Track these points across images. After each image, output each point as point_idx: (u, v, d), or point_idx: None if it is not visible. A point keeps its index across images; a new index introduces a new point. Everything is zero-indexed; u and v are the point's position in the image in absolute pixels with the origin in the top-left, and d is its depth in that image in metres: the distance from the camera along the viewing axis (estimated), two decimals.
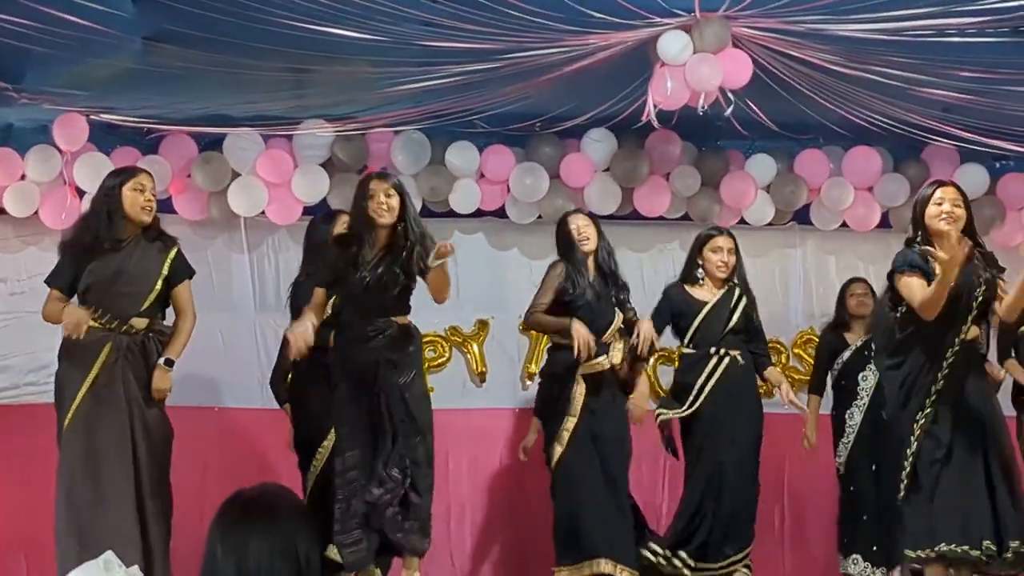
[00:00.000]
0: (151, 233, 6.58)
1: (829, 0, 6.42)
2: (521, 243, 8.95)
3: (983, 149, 8.44)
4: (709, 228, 7.72)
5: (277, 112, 8.12)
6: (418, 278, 6.60)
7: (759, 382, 7.73)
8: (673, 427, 7.58)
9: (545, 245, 8.74)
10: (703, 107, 7.06)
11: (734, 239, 7.52)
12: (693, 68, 6.86)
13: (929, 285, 6.11)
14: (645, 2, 6.50)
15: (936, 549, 6.17)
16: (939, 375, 6.24)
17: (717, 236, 7.50)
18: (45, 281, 6.62)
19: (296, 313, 6.94)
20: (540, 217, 8.80)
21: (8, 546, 8.11)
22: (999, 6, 6.45)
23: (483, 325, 8.89)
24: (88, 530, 6.26)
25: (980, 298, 6.28)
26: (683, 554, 7.26)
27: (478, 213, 8.83)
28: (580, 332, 7.08)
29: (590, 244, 7.37)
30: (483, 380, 8.86)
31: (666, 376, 8.43)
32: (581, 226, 7.40)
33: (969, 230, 6.32)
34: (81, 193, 8.19)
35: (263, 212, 8.54)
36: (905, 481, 6.29)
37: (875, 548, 7.75)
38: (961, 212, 6.30)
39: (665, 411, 7.48)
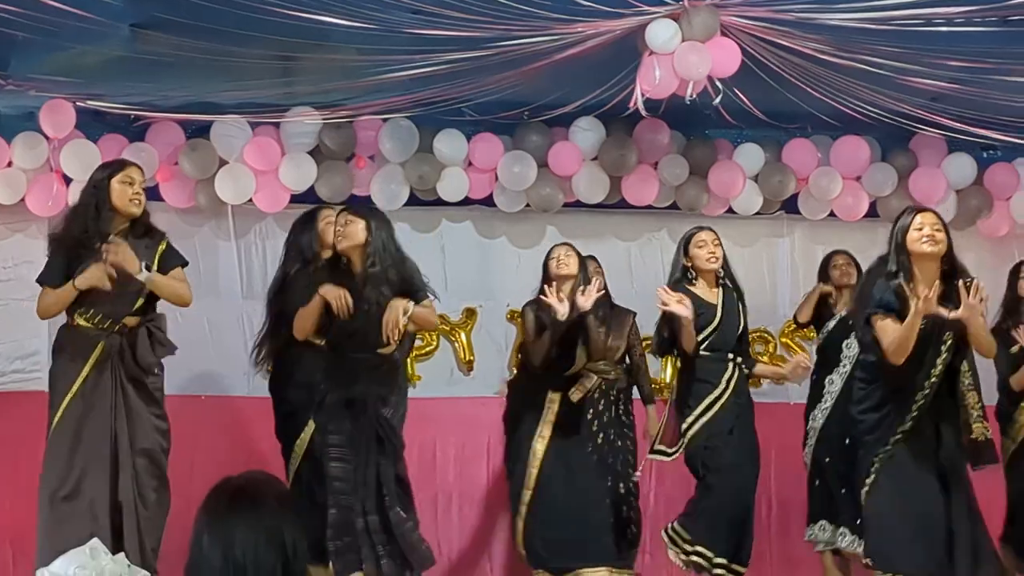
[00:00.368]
0: (139, 228, 6.54)
1: None
2: (509, 231, 8.96)
3: (971, 138, 8.45)
4: (688, 229, 7.62)
5: (265, 99, 8.10)
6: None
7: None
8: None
9: (533, 233, 8.78)
10: (691, 96, 7.04)
11: (716, 232, 7.48)
12: (681, 57, 6.85)
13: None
14: None
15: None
16: (907, 416, 6.32)
17: (698, 232, 7.44)
18: (38, 280, 6.55)
19: (279, 308, 7.18)
20: (528, 206, 8.80)
21: None
22: None
23: (471, 313, 8.89)
24: (63, 524, 6.24)
25: (948, 342, 6.30)
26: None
27: (466, 201, 8.83)
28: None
29: (567, 270, 7.44)
30: (471, 369, 8.86)
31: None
32: (562, 256, 7.46)
33: (950, 257, 6.36)
34: (68, 180, 8.18)
35: (250, 200, 8.53)
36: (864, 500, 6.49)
37: (852, 518, 7.68)
38: (942, 236, 6.32)
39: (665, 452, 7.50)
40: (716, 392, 7.25)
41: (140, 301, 6.48)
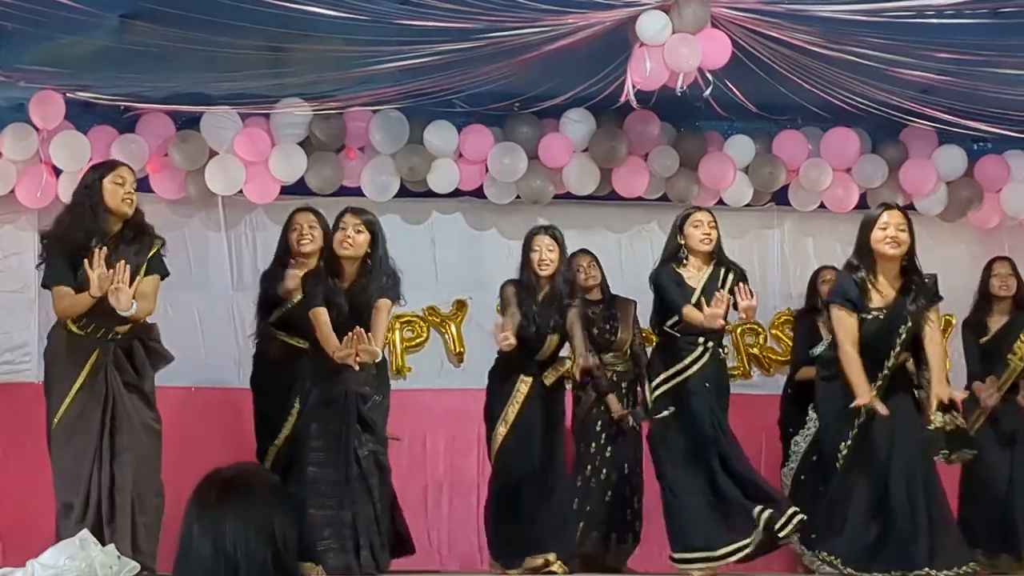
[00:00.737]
0: (130, 232, 6.51)
1: None
2: (499, 223, 8.95)
3: (961, 130, 8.47)
4: (686, 208, 7.62)
5: (255, 91, 8.09)
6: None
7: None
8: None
9: (523, 225, 8.73)
10: (682, 88, 7.05)
11: (712, 214, 7.45)
12: (672, 48, 6.85)
13: (857, 320, 6.61)
14: None
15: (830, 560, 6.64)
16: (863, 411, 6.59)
17: (695, 212, 7.40)
18: (45, 284, 6.49)
19: (266, 302, 7.32)
20: (518, 197, 8.80)
21: None
22: None
23: (461, 305, 8.89)
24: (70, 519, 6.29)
25: (904, 335, 6.63)
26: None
27: (456, 193, 8.82)
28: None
29: (549, 269, 7.33)
30: (461, 360, 8.86)
31: None
32: (544, 251, 7.33)
33: (910, 254, 6.72)
34: (58, 172, 8.16)
35: (240, 191, 8.52)
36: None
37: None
38: (905, 237, 6.67)
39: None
40: (672, 371, 7.20)
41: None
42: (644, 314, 7.81)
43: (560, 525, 7.30)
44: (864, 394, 6.48)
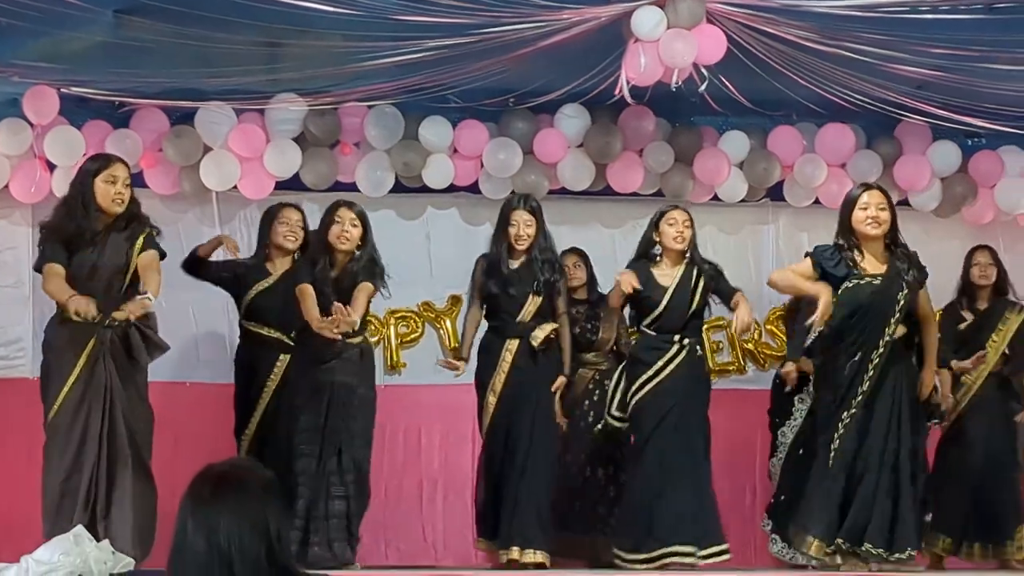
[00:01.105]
0: (121, 222, 6.53)
1: None
2: (494, 218, 8.85)
3: (956, 126, 8.46)
4: (663, 206, 7.63)
5: (249, 86, 8.08)
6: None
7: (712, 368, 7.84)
8: None
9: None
10: (677, 83, 7.06)
11: (689, 214, 7.46)
12: (667, 44, 6.86)
13: (825, 287, 6.77)
14: None
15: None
16: (866, 376, 6.70)
17: (671, 210, 7.44)
18: (36, 266, 6.51)
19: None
20: (513, 192, 8.78)
21: None
22: None
23: (456, 301, 8.87)
24: (61, 511, 6.27)
25: (902, 301, 6.74)
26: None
27: (451, 188, 8.82)
28: None
29: (525, 244, 7.40)
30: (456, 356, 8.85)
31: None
32: (522, 227, 7.40)
33: (893, 231, 6.87)
34: (52, 167, 8.16)
35: (235, 186, 8.51)
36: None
37: None
38: (886, 216, 6.83)
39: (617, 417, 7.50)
40: (650, 372, 7.23)
41: (124, 293, 6.48)
42: None
43: (537, 518, 7.26)
44: (823, 291, 6.69)
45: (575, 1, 6.81)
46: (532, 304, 7.32)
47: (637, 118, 8.68)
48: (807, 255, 6.99)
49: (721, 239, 9.12)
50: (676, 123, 8.93)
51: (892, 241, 6.86)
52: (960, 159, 9.04)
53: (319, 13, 6.56)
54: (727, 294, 7.38)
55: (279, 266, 7.50)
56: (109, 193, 6.42)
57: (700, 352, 7.39)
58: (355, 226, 6.96)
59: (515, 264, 7.38)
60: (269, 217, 7.63)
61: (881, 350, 6.71)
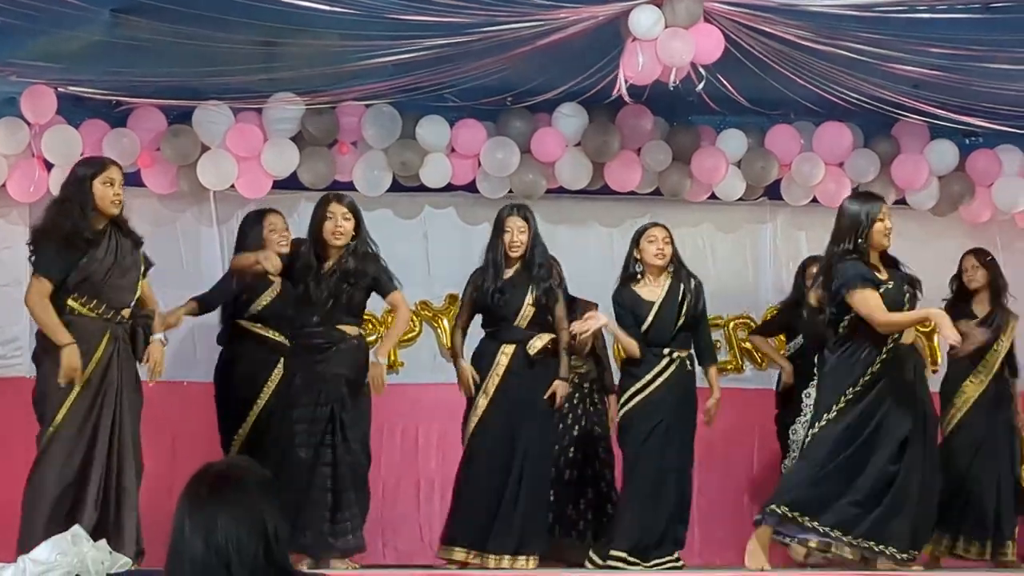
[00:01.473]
0: (116, 225, 6.55)
1: None
2: (492, 218, 8.85)
3: (953, 125, 8.47)
4: (643, 224, 7.63)
5: (247, 85, 8.08)
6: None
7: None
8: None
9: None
10: (674, 82, 7.06)
11: (668, 230, 7.47)
12: (664, 43, 6.86)
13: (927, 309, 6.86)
14: None
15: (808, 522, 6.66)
16: (870, 369, 6.70)
17: (651, 227, 7.45)
18: (39, 272, 6.49)
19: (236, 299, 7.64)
20: (511, 192, 8.79)
21: None
22: None
23: (453, 300, 8.85)
24: (60, 509, 6.26)
25: (907, 306, 6.76)
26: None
27: (449, 187, 8.82)
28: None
29: (519, 251, 7.38)
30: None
31: None
32: (516, 233, 7.37)
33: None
34: (49, 166, 8.15)
35: (232, 186, 8.51)
36: (807, 440, 6.86)
37: None
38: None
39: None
40: (639, 385, 7.24)
41: (137, 292, 6.52)
42: None
43: (533, 524, 7.27)
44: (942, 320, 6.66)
45: (573, 0, 6.81)
46: (528, 310, 7.31)
47: (635, 117, 8.68)
48: (861, 284, 6.66)
49: (719, 238, 9.13)
50: (674, 122, 8.93)
51: (885, 251, 6.91)
52: (957, 158, 9.05)
53: (316, 12, 6.56)
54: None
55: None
56: (108, 195, 6.44)
57: (690, 367, 7.39)
58: (347, 220, 6.96)
59: (510, 272, 7.36)
60: (258, 225, 7.66)
61: (889, 346, 6.72)
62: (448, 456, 8.66)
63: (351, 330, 7.01)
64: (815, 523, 6.64)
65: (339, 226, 6.94)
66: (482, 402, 7.28)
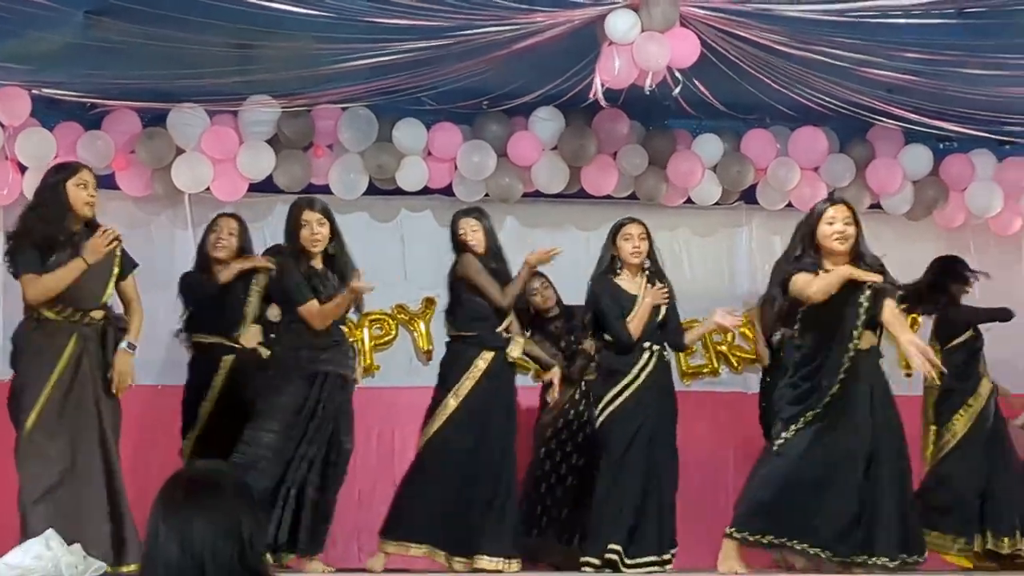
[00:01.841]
0: (89, 228, 6.53)
1: None
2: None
3: (927, 130, 8.51)
4: (619, 220, 7.63)
5: (222, 88, 8.06)
6: None
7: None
8: None
9: (493, 223, 8.74)
10: (651, 86, 7.06)
11: (645, 226, 7.47)
12: (641, 47, 6.86)
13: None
14: None
15: (754, 537, 6.63)
16: (833, 384, 6.53)
17: (627, 224, 7.44)
18: (21, 269, 6.47)
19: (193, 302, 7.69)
20: (487, 195, 8.80)
21: None
22: None
23: (429, 303, 8.87)
24: (62, 514, 6.23)
25: (865, 304, 6.49)
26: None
27: (425, 191, 8.82)
28: None
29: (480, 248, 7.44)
30: (429, 358, 8.83)
31: None
32: (469, 231, 7.44)
33: (858, 245, 6.62)
34: (23, 168, 8.12)
35: (208, 188, 8.49)
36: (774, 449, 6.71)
37: None
38: (852, 231, 6.60)
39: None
40: (625, 381, 7.21)
41: (106, 294, 6.49)
42: None
43: (514, 527, 7.31)
44: (844, 273, 6.42)
45: (549, 4, 6.81)
46: (509, 316, 7.37)
47: (611, 121, 8.69)
48: (789, 275, 6.62)
49: (695, 242, 9.15)
50: (650, 126, 8.95)
51: (857, 256, 6.61)
52: (932, 162, 9.09)
53: (292, 15, 6.55)
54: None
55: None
56: (82, 197, 6.43)
57: (667, 357, 7.40)
58: (322, 225, 6.95)
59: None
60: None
61: (845, 363, 6.56)
62: None
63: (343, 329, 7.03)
64: (783, 541, 6.66)
65: (315, 233, 6.92)
66: (452, 402, 7.28)
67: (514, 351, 7.36)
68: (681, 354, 9.01)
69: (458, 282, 7.46)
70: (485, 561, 7.12)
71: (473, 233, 7.46)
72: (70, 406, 6.32)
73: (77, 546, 5.86)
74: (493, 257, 7.49)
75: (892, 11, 6.77)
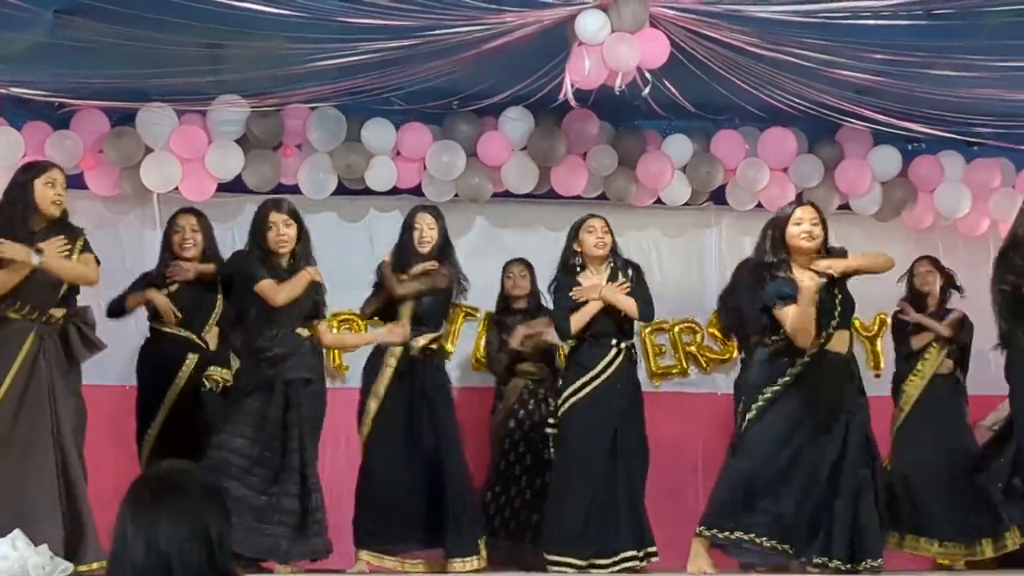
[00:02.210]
0: (58, 226, 6.50)
1: None
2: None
3: (896, 131, 8.55)
4: (580, 216, 7.62)
5: (191, 87, 8.03)
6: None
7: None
8: None
9: (463, 223, 8.75)
10: (620, 87, 7.07)
11: (606, 220, 7.46)
12: (610, 47, 6.87)
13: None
14: None
15: (723, 534, 6.64)
16: (790, 370, 6.62)
17: (589, 219, 7.44)
18: None
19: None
20: (457, 195, 8.79)
21: None
22: None
23: None
24: (14, 515, 6.18)
25: (840, 307, 6.64)
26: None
27: (394, 191, 8.80)
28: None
29: (428, 247, 7.37)
30: None
31: None
32: (425, 230, 7.37)
33: (826, 246, 6.73)
34: None
35: (176, 188, 8.47)
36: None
37: None
38: (819, 231, 6.69)
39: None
40: (587, 376, 7.19)
41: (63, 290, 6.43)
42: None
43: (472, 524, 7.25)
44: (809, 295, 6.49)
45: (518, 4, 6.81)
46: (405, 312, 7.30)
47: (581, 121, 8.70)
48: (773, 308, 6.64)
49: (664, 242, 9.16)
50: (620, 126, 8.96)
51: (825, 254, 6.72)
52: (900, 164, 9.13)
53: (262, 14, 6.53)
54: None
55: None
56: (49, 196, 6.39)
57: (634, 356, 7.40)
58: (289, 226, 6.86)
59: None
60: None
61: (814, 353, 6.63)
62: None
63: (303, 331, 6.92)
64: (751, 537, 6.67)
65: (282, 234, 6.81)
66: (372, 405, 7.21)
67: (419, 342, 7.28)
68: (650, 355, 9.05)
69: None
70: (457, 564, 7.11)
71: (429, 230, 7.37)
72: (26, 407, 6.27)
73: (44, 546, 5.83)
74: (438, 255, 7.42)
75: (861, 12, 6.79)
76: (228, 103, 8.26)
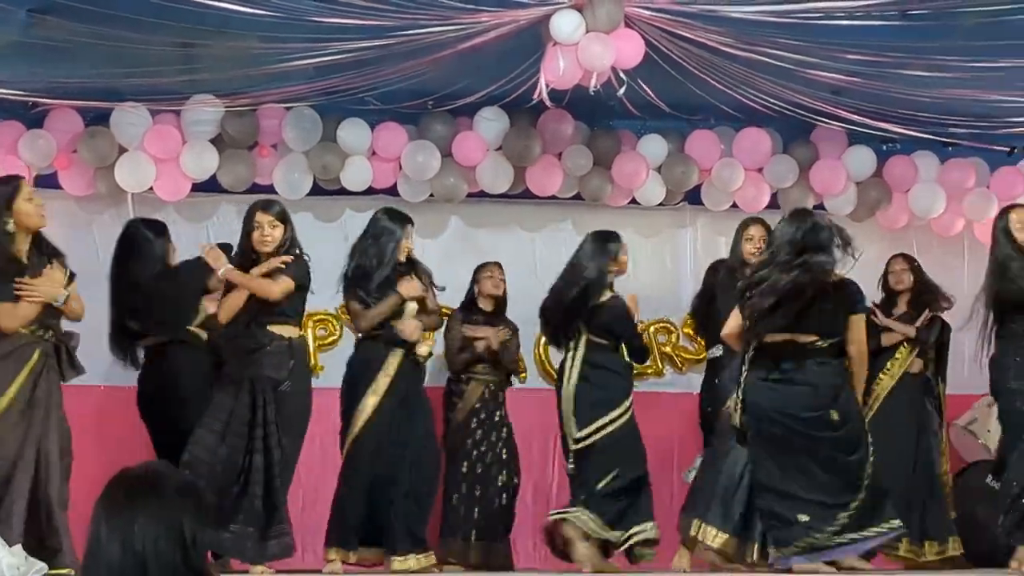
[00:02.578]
0: (44, 245, 6.47)
1: None
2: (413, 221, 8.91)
3: (870, 131, 8.57)
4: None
5: (165, 87, 8.01)
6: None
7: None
8: None
9: (438, 223, 8.76)
10: (595, 87, 7.08)
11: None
12: (585, 47, 6.87)
13: None
14: None
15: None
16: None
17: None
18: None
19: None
20: (432, 195, 8.79)
21: None
22: None
23: None
24: None
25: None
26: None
27: (370, 191, 8.79)
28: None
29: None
30: None
31: None
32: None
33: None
34: None
35: (151, 188, 8.44)
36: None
37: None
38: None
39: None
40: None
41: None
42: None
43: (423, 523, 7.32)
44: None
45: (493, 4, 6.81)
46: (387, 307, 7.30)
47: (556, 121, 8.70)
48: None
49: (639, 242, 9.15)
50: (595, 127, 8.97)
51: None
52: (875, 164, 9.16)
53: (236, 14, 6.52)
54: None
55: None
56: (34, 211, 6.36)
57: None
58: (275, 227, 6.83)
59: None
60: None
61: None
62: None
63: (279, 330, 6.88)
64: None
65: (266, 235, 6.80)
66: (371, 401, 7.19)
67: (423, 351, 7.33)
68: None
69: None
70: (396, 561, 7.11)
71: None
72: (23, 425, 6.26)
73: (18, 547, 5.82)
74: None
75: (835, 13, 6.81)
76: (202, 103, 8.24)
